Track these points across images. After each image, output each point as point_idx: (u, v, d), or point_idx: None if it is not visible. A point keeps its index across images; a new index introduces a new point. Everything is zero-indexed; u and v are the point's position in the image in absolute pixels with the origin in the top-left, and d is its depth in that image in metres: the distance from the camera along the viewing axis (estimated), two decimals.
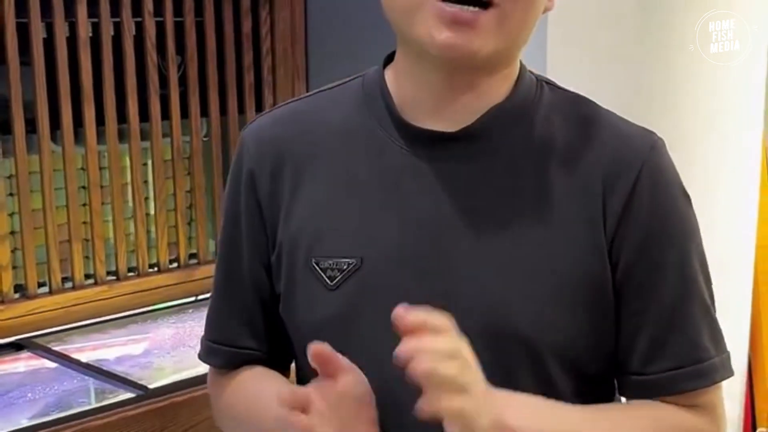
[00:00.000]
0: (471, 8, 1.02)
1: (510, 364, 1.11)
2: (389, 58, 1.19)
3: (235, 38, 2.37)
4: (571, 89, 1.20)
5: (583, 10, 2.25)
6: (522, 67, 1.18)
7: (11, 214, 2.07)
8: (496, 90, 1.14)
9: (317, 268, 1.15)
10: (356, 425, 1.07)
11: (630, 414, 1.17)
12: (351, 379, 1.07)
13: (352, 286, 1.13)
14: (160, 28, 2.23)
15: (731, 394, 3.02)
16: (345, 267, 1.14)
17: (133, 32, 2.18)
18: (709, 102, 2.58)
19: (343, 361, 1.06)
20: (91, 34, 2.12)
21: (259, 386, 1.23)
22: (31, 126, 2.05)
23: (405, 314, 0.97)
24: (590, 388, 1.16)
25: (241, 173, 1.22)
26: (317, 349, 1.04)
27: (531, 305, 1.11)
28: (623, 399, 1.21)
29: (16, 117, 2.01)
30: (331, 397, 1.05)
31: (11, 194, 2.07)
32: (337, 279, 1.14)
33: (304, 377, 1.18)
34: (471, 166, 1.13)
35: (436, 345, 0.96)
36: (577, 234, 1.12)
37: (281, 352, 1.27)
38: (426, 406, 0.96)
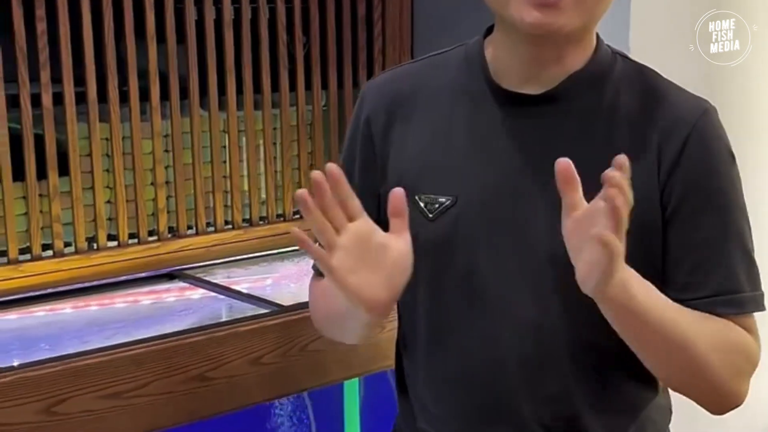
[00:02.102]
0: None
1: (570, 294, 1.15)
2: (488, 31, 1.31)
3: (351, 21, 2.55)
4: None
5: None
6: (599, 40, 1.28)
7: (167, 167, 2.28)
8: (576, 59, 1.25)
9: (419, 202, 1.26)
10: (376, 276, 1.12)
11: (702, 317, 1.22)
12: (399, 241, 1.14)
13: (448, 218, 1.25)
14: (290, 12, 2.42)
15: None
16: (443, 202, 1.26)
17: (267, 16, 2.38)
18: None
19: (403, 224, 1.14)
20: (233, 17, 2.32)
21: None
22: (183, 94, 2.27)
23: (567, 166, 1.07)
24: None
25: (360, 119, 1.34)
26: (398, 194, 1.12)
27: None
28: None
29: (172, 86, 2.24)
30: (368, 243, 1.12)
31: (167, 150, 2.28)
32: (435, 212, 1.26)
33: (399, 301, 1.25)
34: (549, 123, 1.24)
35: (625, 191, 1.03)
36: (636, 183, 1.14)
37: None
38: (605, 235, 1.02)
